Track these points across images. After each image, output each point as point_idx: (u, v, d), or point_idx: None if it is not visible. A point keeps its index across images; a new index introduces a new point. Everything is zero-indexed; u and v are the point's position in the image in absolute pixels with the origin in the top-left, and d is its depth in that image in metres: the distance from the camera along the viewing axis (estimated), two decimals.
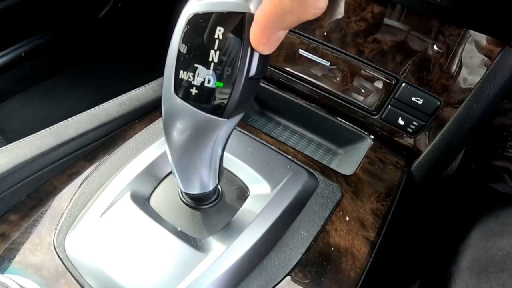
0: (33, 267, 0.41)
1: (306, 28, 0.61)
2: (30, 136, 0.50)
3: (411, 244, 0.78)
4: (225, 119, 0.31)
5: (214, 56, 0.28)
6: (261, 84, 0.69)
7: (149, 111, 0.61)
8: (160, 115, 0.34)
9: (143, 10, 1.06)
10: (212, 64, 0.29)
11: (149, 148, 0.50)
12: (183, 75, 0.30)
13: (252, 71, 0.29)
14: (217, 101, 0.30)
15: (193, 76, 0.29)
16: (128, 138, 0.54)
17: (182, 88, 0.30)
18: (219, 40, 0.28)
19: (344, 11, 0.58)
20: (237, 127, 0.56)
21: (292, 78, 0.65)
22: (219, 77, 0.29)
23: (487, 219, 0.57)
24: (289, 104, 0.68)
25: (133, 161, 0.49)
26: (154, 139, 0.54)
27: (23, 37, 0.92)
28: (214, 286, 0.39)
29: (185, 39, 0.29)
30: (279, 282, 0.42)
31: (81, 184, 0.49)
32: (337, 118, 0.65)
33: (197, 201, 0.45)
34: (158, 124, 0.57)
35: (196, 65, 0.29)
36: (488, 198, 0.71)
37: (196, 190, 0.41)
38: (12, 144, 0.49)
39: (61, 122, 0.53)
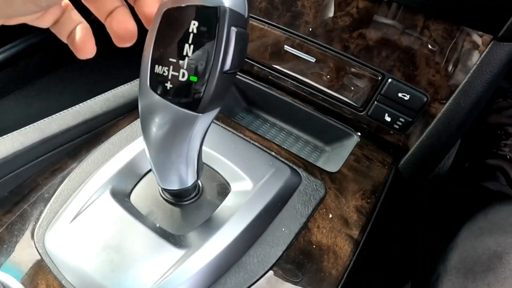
0: (12, 262, 0.42)
1: (291, 23, 0.61)
2: (13, 132, 0.51)
3: (401, 243, 0.77)
4: (200, 114, 0.31)
5: (188, 50, 0.28)
6: (247, 81, 0.69)
7: (134, 108, 0.60)
8: None
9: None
10: (187, 58, 0.28)
11: (131, 145, 0.50)
12: (158, 69, 0.30)
13: (227, 65, 0.29)
14: (191, 96, 0.30)
15: (168, 70, 0.29)
16: (111, 134, 0.54)
17: (157, 83, 0.30)
18: (193, 34, 0.28)
19: (329, 7, 0.57)
20: (221, 124, 0.56)
21: (279, 75, 0.65)
22: (193, 71, 0.29)
23: (477, 218, 0.56)
24: (276, 101, 0.67)
25: (114, 158, 0.49)
26: (137, 135, 0.54)
27: (17, 36, 0.92)
28: (190, 282, 0.39)
29: (160, 33, 0.29)
30: (257, 280, 0.41)
31: (63, 180, 0.49)
32: (324, 115, 0.65)
33: (176, 197, 0.45)
34: None
35: (171, 59, 0.29)
36: (480, 196, 0.70)
37: (174, 186, 0.41)
38: None
39: (44, 119, 0.53)
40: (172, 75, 0.29)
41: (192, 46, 0.28)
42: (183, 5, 0.28)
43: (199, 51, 0.28)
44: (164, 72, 0.29)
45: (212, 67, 0.28)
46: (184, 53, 0.28)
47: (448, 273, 0.50)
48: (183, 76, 0.29)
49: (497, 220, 0.53)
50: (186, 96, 0.30)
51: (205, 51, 0.28)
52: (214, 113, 0.33)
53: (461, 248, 0.52)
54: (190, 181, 0.41)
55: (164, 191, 0.45)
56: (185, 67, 0.29)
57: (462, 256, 0.51)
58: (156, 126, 0.33)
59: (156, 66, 0.30)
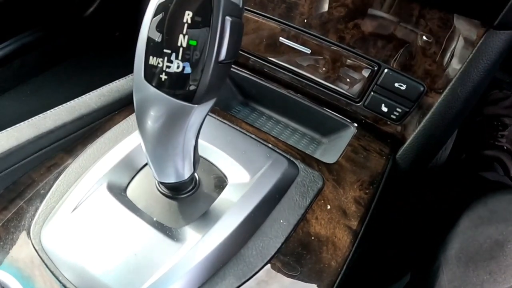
0: (9, 259, 0.41)
1: (286, 15, 0.60)
2: (8, 128, 0.50)
3: (401, 234, 0.77)
4: (196, 105, 0.31)
5: (183, 40, 0.28)
6: (243, 74, 0.68)
7: (129, 103, 0.60)
8: None
9: (131, 6, 1.05)
10: (181, 49, 0.28)
11: (127, 139, 0.50)
12: (152, 61, 0.29)
13: (222, 55, 0.29)
14: (186, 87, 0.29)
15: (163, 61, 0.29)
16: (107, 129, 0.54)
17: (152, 74, 0.30)
18: (188, 24, 0.27)
19: None
20: (217, 117, 0.56)
21: (275, 67, 0.65)
22: (188, 62, 0.28)
23: (476, 207, 0.56)
24: (272, 94, 0.67)
25: (110, 152, 0.48)
26: (133, 130, 0.53)
27: (11, 35, 0.92)
28: (189, 276, 0.39)
29: (154, 24, 0.28)
30: (257, 272, 0.41)
31: (58, 176, 0.48)
32: (320, 107, 0.64)
33: (173, 191, 0.45)
34: None
35: (165, 50, 0.28)
36: (478, 186, 0.70)
37: (171, 179, 0.40)
38: None
39: (39, 115, 0.52)
40: (166, 66, 0.29)
41: (186, 37, 0.28)
42: None
43: (193, 41, 0.28)
44: (158, 63, 0.29)
45: (207, 57, 0.28)
46: (179, 44, 0.28)
47: (449, 263, 0.50)
48: (177, 67, 0.29)
49: (497, 209, 0.52)
50: (181, 88, 0.29)
51: (200, 42, 0.28)
52: (209, 104, 0.33)
53: (462, 237, 0.52)
54: (186, 174, 0.40)
55: (160, 185, 0.45)
56: (179, 58, 0.28)
57: (463, 246, 0.50)
58: (151, 119, 0.33)
59: (151, 57, 0.29)
